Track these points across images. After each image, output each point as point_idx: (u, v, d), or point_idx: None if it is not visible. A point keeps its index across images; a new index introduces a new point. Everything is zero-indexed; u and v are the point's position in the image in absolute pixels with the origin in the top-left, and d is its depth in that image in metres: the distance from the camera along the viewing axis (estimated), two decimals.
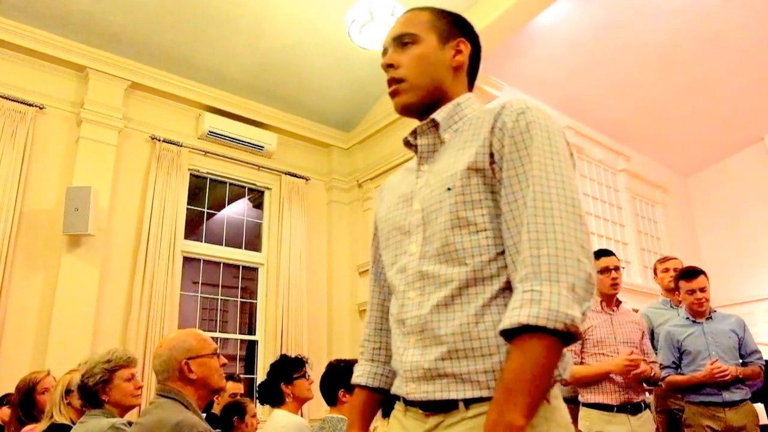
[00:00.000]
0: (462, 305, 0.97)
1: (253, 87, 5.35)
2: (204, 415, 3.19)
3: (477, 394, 0.92)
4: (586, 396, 2.88)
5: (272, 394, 2.74)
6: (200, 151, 5.19)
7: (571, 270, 0.87)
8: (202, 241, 5.23)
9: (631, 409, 2.76)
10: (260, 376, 5.05)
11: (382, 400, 1.23)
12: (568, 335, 0.86)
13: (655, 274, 3.95)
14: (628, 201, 7.16)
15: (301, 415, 2.99)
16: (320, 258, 5.77)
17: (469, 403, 0.93)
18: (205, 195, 5.37)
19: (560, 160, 0.96)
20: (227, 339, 5.37)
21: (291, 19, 4.72)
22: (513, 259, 0.94)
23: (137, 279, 4.45)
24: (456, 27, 1.17)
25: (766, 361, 3.26)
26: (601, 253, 3.10)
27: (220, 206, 5.52)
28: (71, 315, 4.08)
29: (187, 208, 5.04)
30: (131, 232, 4.61)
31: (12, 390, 2.97)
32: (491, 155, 1.00)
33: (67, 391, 2.43)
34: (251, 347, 5.32)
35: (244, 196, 5.70)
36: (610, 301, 3.01)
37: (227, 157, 5.35)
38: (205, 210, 5.35)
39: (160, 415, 1.71)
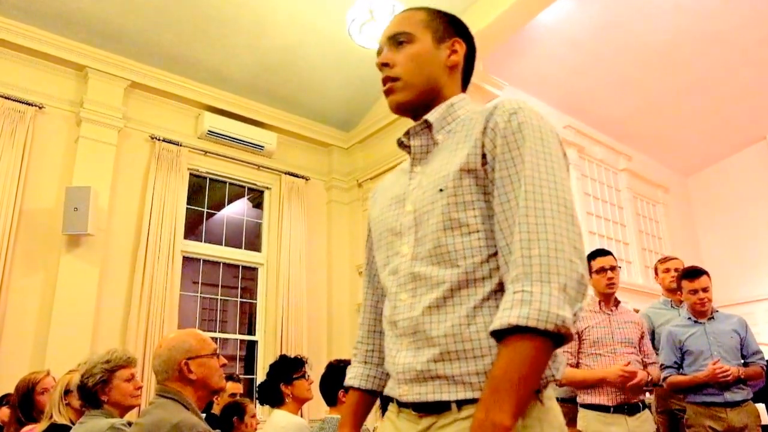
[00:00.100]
0: (454, 307, 0.96)
1: (253, 86, 5.34)
2: (204, 415, 3.19)
3: (469, 395, 0.92)
4: (583, 397, 2.88)
5: (272, 395, 2.74)
6: (200, 150, 5.18)
7: (562, 270, 0.86)
8: (201, 241, 5.22)
9: (628, 409, 2.76)
10: (260, 376, 5.04)
11: (383, 402, 1.23)
12: (558, 336, 0.85)
13: (656, 274, 3.94)
14: (629, 200, 7.15)
15: (301, 416, 2.99)
16: (320, 258, 5.77)
17: (461, 404, 0.93)
18: (204, 195, 5.36)
19: (552, 160, 0.96)
20: (227, 339, 5.36)
21: (291, 18, 4.72)
22: (506, 260, 0.94)
23: (137, 279, 4.44)
24: (451, 27, 1.17)
25: (767, 361, 3.25)
26: (597, 253, 3.11)
27: (220, 206, 5.51)
28: (71, 315, 4.07)
29: (187, 208, 5.03)
30: (131, 231, 4.61)
31: (11, 390, 2.96)
32: (483, 156, 1.00)
33: (67, 392, 2.42)
34: (251, 347, 5.31)
35: (244, 196, 5.69)
36: (608, 300, 3.00)
37: (227, 157, 5.34)
38: (205, 210, 5.34)
39: (159, 416, 1.71)
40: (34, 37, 4.37)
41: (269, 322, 5.25)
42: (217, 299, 5.37)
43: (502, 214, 0.96)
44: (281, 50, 5.01)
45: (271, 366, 2.86)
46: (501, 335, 0.87)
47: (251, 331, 5.37)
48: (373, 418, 3.90)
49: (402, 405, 1.03)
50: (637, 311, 3.64)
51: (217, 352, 1.95)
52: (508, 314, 0.85)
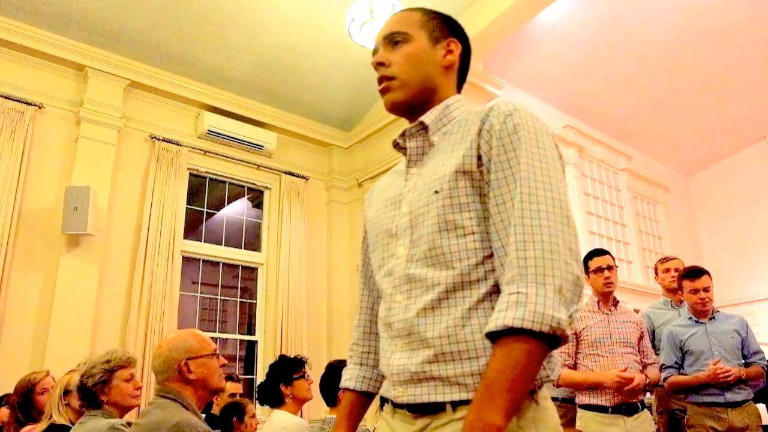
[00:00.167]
0: (449, 308, 0.97)
1: (253, 86, 5.34)
2: (203, 415, 3.18)
3: (464, 396, 0.92)
4: (581, 397, 2.88)
5: (271, 395, 2.73)
6: (200, 150, 5.18)
7: (558, 272, 0.87)
8: (201, 241, 5.21)
9: (626, 410, 2.76)
10: (260, 376, 5.04)
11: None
12: (554, 338, 0.85)
13: (656, 274, 3.94)
14: (629, 200, 7.15)
15: (301, 416, 2.98)
16: (320, 258, 5.76)
17: (456, 405, 0.93)
18: (204, 194, 5.35)
19: (548, 162, 0.96)
20: (227, 339, 5.35)
21: (291, 17, 4.71)
22: (501, 262, 0.94)
23: (136, 279, 4.44)
24: (446, 27, 1.18)
25: None
26: (594, 253, 3.11)
27: (220, 206, 5.51)
28: (70, 315, 4.07)
29: (187, 208, 5.03)
30: (130, 231, 4.60)
31: (11, 390, 2.96)
32: (479, 158, 1.00)
33: (66, 392, 2.42)
34: (251, 347, 5.31)
35: (244, 196, 5.69)
36: (607, 300, 3.00)
37: (227, 157, 5.33)
38: (205, 209, 5.33)
39: (159, 416, 1.71)
40: (34, 36, 4.36)
41: (269, 322, 5.24)
42: (216, 299, 5.36)
43: (498, 215, 0.96)
44: (281, 49, 5.01)
45: (271, 366, 2.85)
46: (496, 336, 0.87)
47: (251, 331, 5.37)
48: (373, 419, 3.90)
49: (397, 406, 1.03)
50: (637, 311, 3.63)
51: (217, 352, 1.95)
52: (503, 316, 0.85)
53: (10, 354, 3.84)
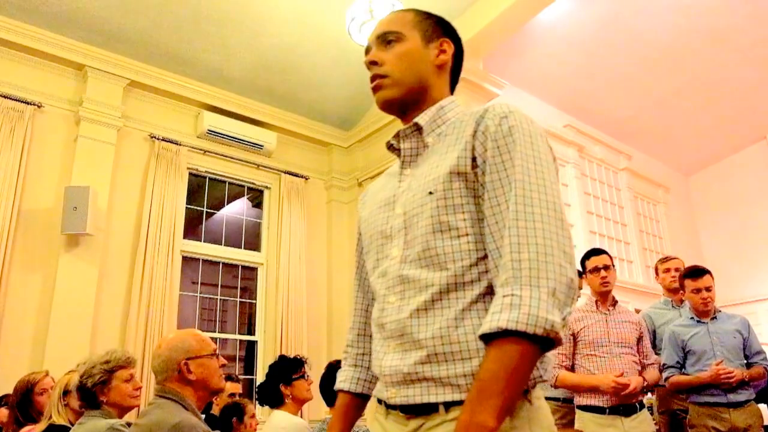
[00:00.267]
0: (442, 310, 0.97)
1: (253, 85, 5.33)
2: (203, 416, 3.17)
3: (457, 397, 0.92)
4: (579, 398, 2.88)
5: (271, 395, 2.73)
6: (199, 150, 5.17)
7: (552, 275, 0.87)
8: (201, 241, 5.21)
9: (624, 411, 2.75)
10: (260, 376, 5.03)
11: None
12: (547, 340, 0.86)
13: (657, 274, 3.93)
14: (629, 200, 7.15)
15: (301, 416, 2.97)
16: (320, 257, 5.76)
17: (449, 406, 0.93)
18: (204, 194, 5.35)
19: (543, 164, 0.97)
20: (226, 339, 5.35)
21: (291, 17, 4.71)
22: (496, 263, 0.95)
23: (136, 279, 4.43)
24: (439, 27, 1.19)
25: None
26: (591, 253, 3.11)
27: (220, 205, 5.50)
28: (70, 315, 4.06)
29: (186, 208, 5.02)
30: (130, 231, 4.59)
31: (10, 391, 2.96)
32: (473, 159, 1.00)
33: (66, 392, 2.41)
34: (251, 347, 5.30)
35: (244, 196, 5.68)
36: (605, 300, 2.99)
37: (226, 156, 5.33)
38: (205, 209, 5.33)
39: (159, 416, 1.70)
40: (33, 35, 4.36)
41: (269, 322, 5.24)
42: (216, 299, 5.36)
43: (492, 217, 0.96)
44: (281, 49, 5.00)
45: (271, 366, 2.85)
46: (489, 338, 0.87)
47: (251, 331, 5.36)
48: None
49: (390, 407, 1.03)
50: (638, 311, 3.63)
51: (217, 352, 1.94)
52: (497, 318, 0.86)
53: (10, 354, 3.84)
